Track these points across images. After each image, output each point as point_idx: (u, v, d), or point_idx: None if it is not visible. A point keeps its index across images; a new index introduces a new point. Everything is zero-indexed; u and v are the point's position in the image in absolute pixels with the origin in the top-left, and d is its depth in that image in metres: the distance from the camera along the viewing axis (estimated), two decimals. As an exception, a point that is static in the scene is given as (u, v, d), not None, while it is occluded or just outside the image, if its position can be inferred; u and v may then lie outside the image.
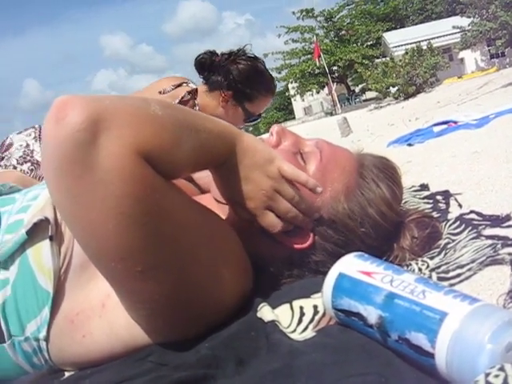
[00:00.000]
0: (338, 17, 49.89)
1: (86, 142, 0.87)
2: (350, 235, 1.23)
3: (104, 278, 1.02)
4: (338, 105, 37.67)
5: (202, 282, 1.04)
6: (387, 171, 1.30)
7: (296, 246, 1.22)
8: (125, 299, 1.04)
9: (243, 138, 1.14)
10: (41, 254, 1.13)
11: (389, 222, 1.26)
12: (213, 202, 1.25)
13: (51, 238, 1.13)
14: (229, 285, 1.09)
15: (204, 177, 1.36)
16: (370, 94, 40.78)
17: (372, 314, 0.87)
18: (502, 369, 0.65)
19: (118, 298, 1.06)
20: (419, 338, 0.78)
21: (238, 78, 2.49)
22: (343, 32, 48.96)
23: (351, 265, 0.97)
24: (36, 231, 1.13)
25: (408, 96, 22.33)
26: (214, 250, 1.08)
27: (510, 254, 1.10)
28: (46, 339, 1.12)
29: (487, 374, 0.65)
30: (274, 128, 1.31)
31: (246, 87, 2.54)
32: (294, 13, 48.67)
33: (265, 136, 1.36)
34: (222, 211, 1.24)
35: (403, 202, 1.49)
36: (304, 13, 48.19)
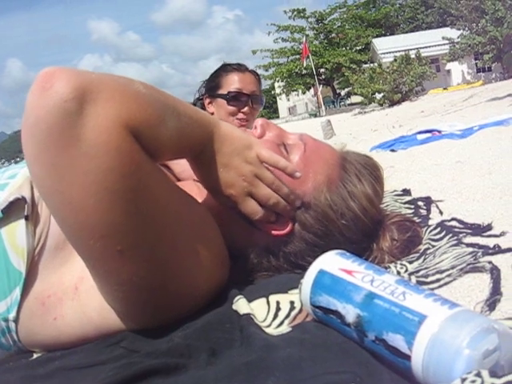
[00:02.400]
0: (329, 19, 50.16)
1: (72, 112, 0.86)
2: (329, 226, 1.22)
3: (81, 257, 1.00)
4: (323, 107, 37.71)
5: (179, 265, 1.04)
6: (370, 168, 1.30)
7: (274, 232, 1.22)
8: (101, 280, 1.03)
9: (221, 126, 1.15)
10: (15, 233, 1.11)
11: (369, 217, 1.26)
12: (192, 189, 1.24)
13: (27, 218, 1.11)
14: (206, 272, 1.09)
15: (179, 165, 1.36)
16: (355, 99, 40.93)
17: (350, 313, 0.87)
18: (478, 375, 0.65)
19: (93, 280, 1.04)
20: (396, 340, 0.78)
21: (201, 87, 2.85)
22: (333, 35, 49.17)
23: (332, 262, 0.96)
24: (12, 210, 1.12)
25: (393, 103, 22.44)
26: (193, 235, 1.07)
27: (490, 262, 1.10)
28: (16, 320, 1.10)
29: (463, 379, 0.65)
30: (258, 121, 1.31)
31: (209, 83, 2.82)
32: (285, 12, 48.85)
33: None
34: (202, 197, 1.24)
35: (385, 205, 1.50)
36: (295, 12, 48.34)
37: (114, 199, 0.90)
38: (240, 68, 2.78)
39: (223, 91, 2.72)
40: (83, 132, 0.86)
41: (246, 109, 2.69)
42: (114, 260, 0.95)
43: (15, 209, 1.12)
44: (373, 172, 1.30)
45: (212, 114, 2.72)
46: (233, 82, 2.72)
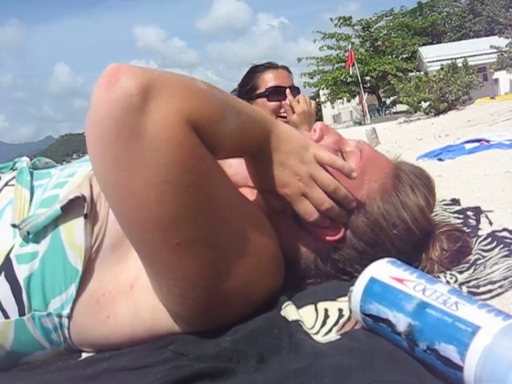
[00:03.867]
0: (375, 27, 49.98)
1: (136, 107, 0.88)
2: (381, 235, 1.22)
3: (138, 252, 1.02)
4: (368, 115, 37.50)
5: (236, 264, 1.04)
6: (423, 179, 1.29)
7: (327, 238, 1.21)
8: (157, 275, 1.04)
9: (279, 126, 1.16)
10: (73, 231, 1.13)
11: (420, 228, 1.25)
12: (245, 191, 1.25)
13: (85, 216, 1.13)
14: (262, 277, 1.10)
15: (237, 174, 1.36)
16: (400, 107, 40.64)
17: (401, 322, 0.86)
18: (533, 387, 0.64)
19: (148, 276, 1.06)
20: (449, 350, 0.77)
21: (235, 90, 2.87)
22: (379, 43, 48.94)
23: (383, 270, 0.96)
24: (71, 208, 1.14)
25: (439, 112, 22.18)
26: (251, 233, 1.08)
27: (542, 274, 1.08)
28: (69, 317, 1.12)
29: (517, 392, 0.64)
30: (318, 125, 1.30)
31: (245, 85, 2.83)
32: (331, 19, 48.86)
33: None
34: (256, 201, 1.24)
35: (434, 214, 1.48)
36: (341, 20, 48.26)
37: (174, 192, 0.91)
38: (271, 65, 2.81)
39: (261, 90, 2.74)
40: (146, 126, 0.89)
41: (287, 101, 2.70)
42: (172, 254, 0.96)
43: (74, 207, 1.14)
44: (426, 184, 1.29)
45: None
46: (269, 80, 2.74)
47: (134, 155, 0.90)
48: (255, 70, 2.83)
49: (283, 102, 2.70)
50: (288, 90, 2.70)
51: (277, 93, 2.71)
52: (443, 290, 0.85)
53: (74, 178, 1.24)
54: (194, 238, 0.97)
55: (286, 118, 2.69)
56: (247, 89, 2.81)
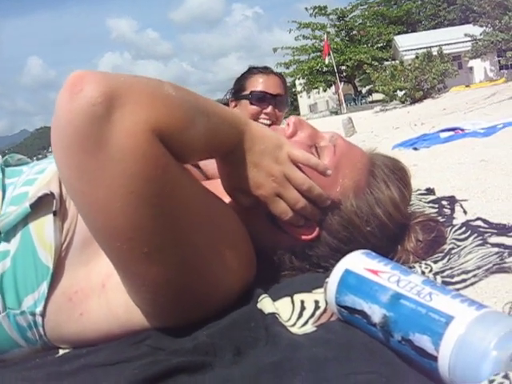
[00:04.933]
0: (350, 16, 49.98)
1: (100, 116, 0.86)
2: (355, 232, 1.22)
3: (108, 258, 1.01)
4: (344, 104, 37.53)
5: (206, 267, 1.04)
6: (398, 172, 1.30)
7: (302, 237, 1.22)
8: (128, 282, 1.04)
9: (252, 126, 1.14)
10: (43, 228, 1.12)
11: (395, 223, 1.25)
12: (220, 188, 1.24)
13: (55, 213, 1.12)
14: (232, 273, 1.09)
15: (211, 164, 1.35)
16: (376, 96, 40.70)
17: (376, 313, 0.87)
18: (506, 376, 0.65)
19: (120, 279, 1.05)
20: (423, 340, 0.78)
21: (228, 93, 2.87)
22: (354, 32, 49.00)
23: (358, 262, 0.96)
24: (40, 205, 1.13)
25: (415, 101, 22.25)
26: (220, 236, 1.07)
27: (516, 263, 1.09)
28: (43, 314, 1.11)
29: (491, 381, 0.65)
30: (291, 119, 1.30)
31: (234, 86, 2.83)
32: (306, 9, 48.72)
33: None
34: (229, 198, 1.24)
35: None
36: (317, 10, 48.20)
37: (140, 203, 0.90)
38: (265, 71, 2.78)
39: (246, 92, 2.72)
40: (110, 136, 0.87)
41: (269, 109, 2.67)
42: (141, 262, 0.96)
43: (44, 204, 1.13)
44: (401, 177, 1.30)
45: None
46: (257, 84, 2.72)
47: (98, 165, 0.88)
48: (248, 72, 2.82)
49: (265, 111, 2.68)
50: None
51: (260, 98, 2.68)
52: (417, 280, 0.86)
53: (43, 174, 1.23)
54: (161, 246, 0.96)
55: (268, 125, 2.65)
56: (236, 88, 2.80)
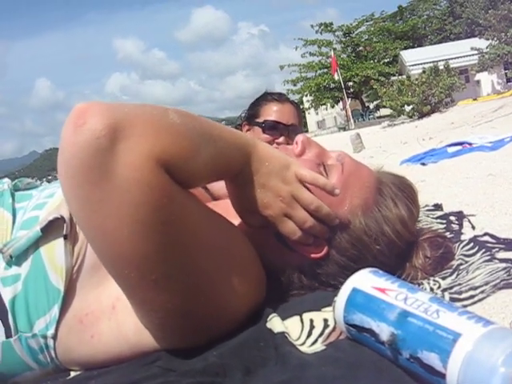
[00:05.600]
0: (356, 32, 50.10)
1: (104, 149, 0.87)
2: (363, 250, 1.22)
3: (117, 284, 1.02)
4: (352, 120, 37.53)
5: (215, 292, 1.04)
6: (405, 190, 1.30)
7: (311, 256, 1.22)
8: (137, 307, 1.04)
9: (259, 147, 1.15)
10: (54, 252, 1.13)
11: (403, 241, 1.26)
12: (229, 208, 1.25)
13: (65, 237, 1.14)
14: (242, 296, 1.09)
15: (218, 184, 1.36)
16: (384, 112, 40.71)
17: (384, 331, 0.87)
18: (514, 393, 0.65)
19: (129, 303, 1.06)
20: (431, 358, 0.78)
21: (242, 114, 2.88)
22: (361, 48, 49.07)
23: (365, 280, 0.97)
24: (51, 229, 1.14)
25: (422, 115, 22.26)
26: (228, 259, 1.08)
27: (524, 278, 1.09)
28: (54, 337, 1.12)
29: (499, 398, 0.65)
30: (300, 137, 1.31)
31: (249, 111, 2.83)
32: (312, 26, 48.89)
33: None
34: (237, 218, 1.24)
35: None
36: (323, 27, 48.36)
37: (146, 231, 0.91)
38: (280, 98, 2.78)
39: (260, 120, 2.72)
40: (116, 168, 0.88)
41: (281, 139, 2.67)
42: (149, 289, 0.96)
43: (54, 228, 1.14)
44: (409, 194, 1.30)
45: None
46: (271, 112, 2.72)
47: (104, 196, 0.89)
48: (263, 98, 2.81)
49: (278, 140, 2.68)
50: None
51: (273, 127, 2.69)
52: (424, 298, 0.86)
53: (53, 198, 1.24)
54: (170, 273, 0.97)
55: None
56: (250, 114, 2.81)
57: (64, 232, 1.14)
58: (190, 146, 0.98)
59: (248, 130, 2.78)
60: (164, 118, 0.98)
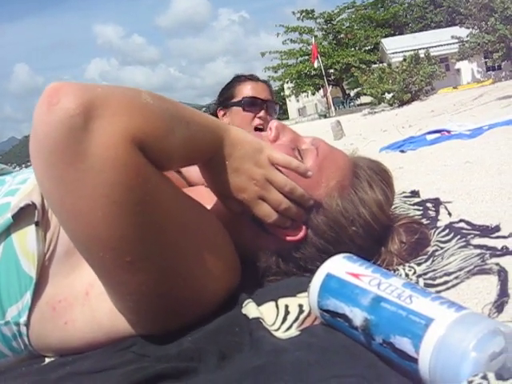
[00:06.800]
0: (337, 20, 50.22)
1: (78, 127, 0.86)
2: (340, 232, 1.23)
3: (91, 268, 1.01)
4: (333, 108, 37.68)
5: (189, 274, 1.04)
6: (381, 174, 1.31)
7: (288, 238, 1.22)
8: (112, 290, 1.04)
9: (231, 131, 1.15)
10: (26, 238, 1.12)
11: (379, 224, 1.26)
12: (203, 194, 1.25)
13: (37, 224, 1.13)
14: (216, 279, 1.09)
15: (193, 170, 1.36)
16: (364, 99, 40.81)
17: (358, 316, 0.87)
18: (484, 377, 0.65)
19: (103, 288, 1.05)
20: (403, 343, 0.78)
21: (213, 103, 2.89)
22: (342, 35, 49.16)
23: (339, 265, 0.97)
24: (22, 216, 1.13)
25: (403, 103, 22.39)
26: (203, 243, 1.07)
27: (497, 264, 1.10)
28: (27, 324, 1.11)
29: (470, 382, 0.66)
30: (273, 123, 1.31)
31: (223, 93, 2.84)
32: (293, 13, 49.00)
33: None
34: (212, 204, 1.25)
35: (394, 207, 1.50)
36: (304, 14, 48.37)
37: (121, 212, 0.90)
38: (253, 78, 2.81)
39: (237, 99, 2.73)
40: (90, 147, 0.87)
41: (261, 113, 2.69)
42: (124, 271, 0.96)
43: (26, 215, 1.13)
44: (384, 178, 1.31)
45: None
46: (247, 90, 2.74)
47: (78, 176, 0.88)
48: (235, 80, 2.83)
49: (258, 115, 2.69)
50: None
51: (252, 104, 2.70)
52: (398, 283, 0.87)
53: (25, 185, 1.23)
54: (144, 255, 0.96)
55: (262, 130, 2.67)
56: (225, 97, 2.81)
57: (35, 219, 1.13)
58: (164, 127, 0.97)
59: (224, 115, 2.79)
60: (137, 98, 0.97)
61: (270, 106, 2.75)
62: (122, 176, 0.89)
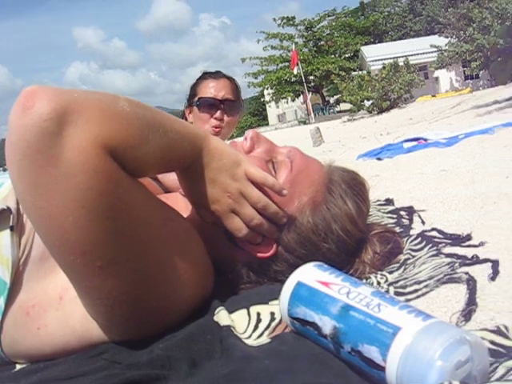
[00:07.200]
0: (317, 27, 50.35)
1: (51, 132, 0.86)
2: (312, 249, 1.23)
3: (63, 271, 1.01)
4: (312, 114, 37.68)
5: (161, 280, 1.04)
6: (356, 187, 1.31)
7: (259, 255, 1.22)
8: (83, 294, 1.04)
9: (210, 141, 1.15)
10: (0, 243, 1.12)
11: (352, 238, 1.26)
12: (178, 201, 1.25)
13: (12, 229, 1.13)
14: (188, 286, 1.09)
15: (170, 176, 1.35)
16: (344, 106, 40.98)
17: (327, 325, 0.88)
18: (450, 385, 0.66)
19: (76, 293, 1.05)
20: (371, 351, 0.79)
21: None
22: (322, 42, 49.34)
23: (310, 274, 0.98)
24: None
25: (382, 110, 22.52)
26: (175, 249, 1.07)
27: (466, 273, 1.11)
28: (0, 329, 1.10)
29: (436, 390, 0.66)
30: (249, 133, 1.31)
31: (189, 93, 2.81)
32: (274, 19, 49.10)
33: (239, 140, 1.36)
34: (188, 211, 1.24)
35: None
36: (285, 20, 48.51)
37: (92, 217, 0.90)
38: (215, 75, 2.78)
39: (195, 99, 2.72)
40: (62, 152, 0.87)
41: (217, 114, 2.65)
42: (95, 275, 0.96)
43: (0, 219, 1.13)
44: (359, 191, 1.30)
45: (191, 123, 2.71)
46: (206, 89, 2.71)
47: (50, 180, 0.88)
48: (200, 78, 2.81)
49: (214, 116, 2.67)
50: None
51: (207, 104, 2.68)
52: (367, 292, 0.87)
53: (1, 189, 1.22)
54: (115, 260, 0.96)
55: (218, 128, 2.67)
56: (190, 95, 2.79)
57: (10, 223, 1.13)
58: (138, 135, 0.97)
59: (190, 113, 2.77)
60: (113, 105, 0.98)
61: (228, 105, 2.70)
62: (92, 181, 0.89)
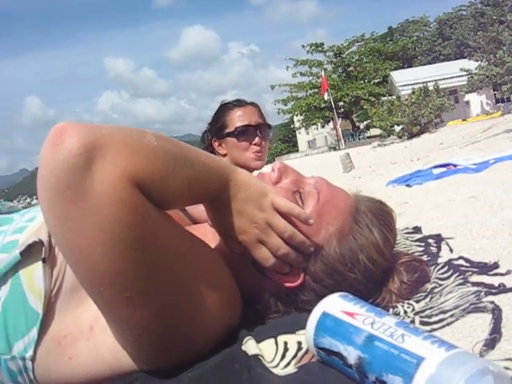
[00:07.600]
0: (346, 53, 50.47)
1: (80, 167, 0.90)
2: (339, 279, 1.23)
3: (93, 302, 1.04)
4: (342, 140, 37.64)
5: (189, 310, 1.06)
6: (382, 217, 1.31)
7: (286, 285, 1.23)
8: (112, 324, 1.06)
9: (237, 173, 1.17)
10: (33, 275, 1.15)
11: (379, 268, 1.26)
12: (206, 232, 1.27)
13: (44, 260, 1.16)
14: (216, 316, 1.11)
15: (198, 208, 1.37)
16: (374, 131, 40.97)
17: (352, 354, 0.89)
18: (472, 416, 0.67)
19: (106, 322, 1.07)
20: (396, 381, 0.80)
21: (208, 129, 2.89)
22: (351, 68, 49.39)
23: (335, 304, 0.99)
24: (30, 253, 1.16)
25: (412, 135, 22.41)
26: (203, 279, 1.09)
27: (492, 302, 1.11)
28: (33, 359, 1.13)
29: (458, 420, 0.67)
30: (276, 164, 1.33)
31: (215, 123, 2.83)
32: (303, 46, 49.33)
33: (266, 170, 1.38)
34: (216, 242, 1.27)
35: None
36: (313, 47, 48.69)
37: (120, 249, 0.93)
38: (240, 103, 2.81)
39: (230, 129, 2.74)
40: (91, 186, 0.90)
41: (256, 139, 2.71)
42: (124, 306, 0.98)
43: (33, 251, 1.16)
44: (385, 221, 1.30)
45: (224, 155, 2.76)
46: (237, 118, 2.75)
47: (79, 213, 0.91)
48: (224, 109, 2.83)
49: (254, 142, 2.71)
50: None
51: (245, 132, 2.71)
52: (391, 322, 0.88)
53: (33, 223, 1.26)
54: (144, 291, 0.99)
55: (259, 153, 2.72)
56: (217, 127, 2.81)
57: (42, 255, 1.16)
58: (164, 167, 1.00)
59: (219, 145, 2.80)
60: (140, 139, 1.01)
61: (263, 129, 2.76)
62: (120, 213, 0.92)
